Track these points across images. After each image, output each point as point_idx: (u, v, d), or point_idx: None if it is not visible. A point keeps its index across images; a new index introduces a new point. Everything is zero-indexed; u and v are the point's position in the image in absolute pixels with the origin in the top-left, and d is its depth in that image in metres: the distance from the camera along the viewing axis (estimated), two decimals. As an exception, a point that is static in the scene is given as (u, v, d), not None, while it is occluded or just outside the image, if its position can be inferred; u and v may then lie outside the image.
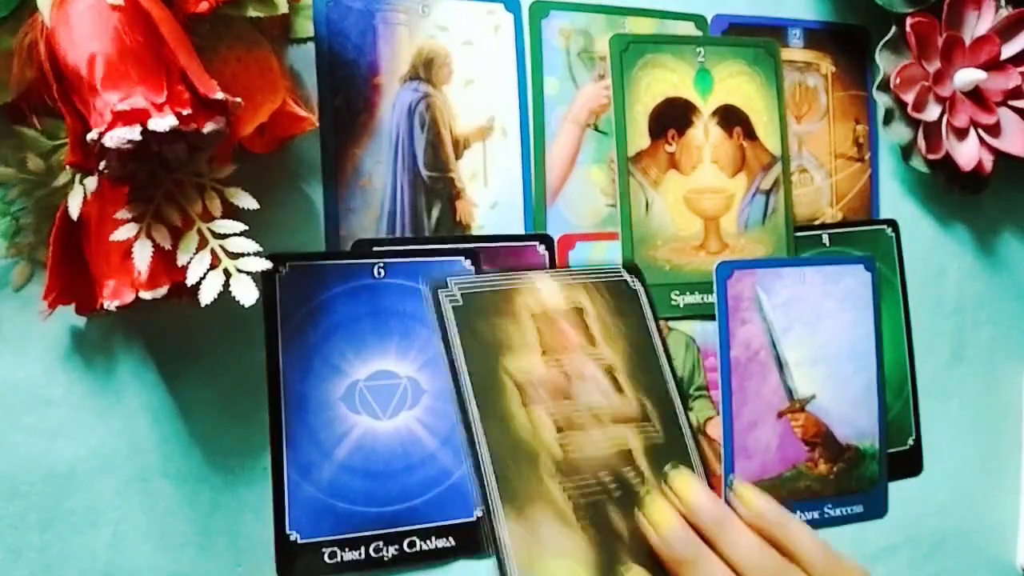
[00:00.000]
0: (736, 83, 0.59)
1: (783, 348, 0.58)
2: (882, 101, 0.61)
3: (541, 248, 0.53)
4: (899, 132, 0.61)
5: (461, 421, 0.44)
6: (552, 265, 0.53)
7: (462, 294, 0.45)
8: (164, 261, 0.40)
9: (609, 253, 0.55)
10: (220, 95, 0.38)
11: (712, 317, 0.57)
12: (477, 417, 0.42)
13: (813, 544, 0.44)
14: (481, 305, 0.46)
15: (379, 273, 0.51)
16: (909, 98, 0.60)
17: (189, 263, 0.39)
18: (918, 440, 0.64)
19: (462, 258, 0.52)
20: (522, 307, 0.46)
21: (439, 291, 0.46)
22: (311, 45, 0.49)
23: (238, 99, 0.39)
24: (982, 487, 0.67)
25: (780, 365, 0.58)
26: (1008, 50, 0.62)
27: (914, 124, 0.61)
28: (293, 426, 0.48)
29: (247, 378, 0.48)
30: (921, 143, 0.61)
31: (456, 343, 0.43)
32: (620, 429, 0.44)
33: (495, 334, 0.44)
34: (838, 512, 0.60)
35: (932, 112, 0.61)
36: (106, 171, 0.37)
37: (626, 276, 0.51)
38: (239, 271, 0.40)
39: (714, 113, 0.58)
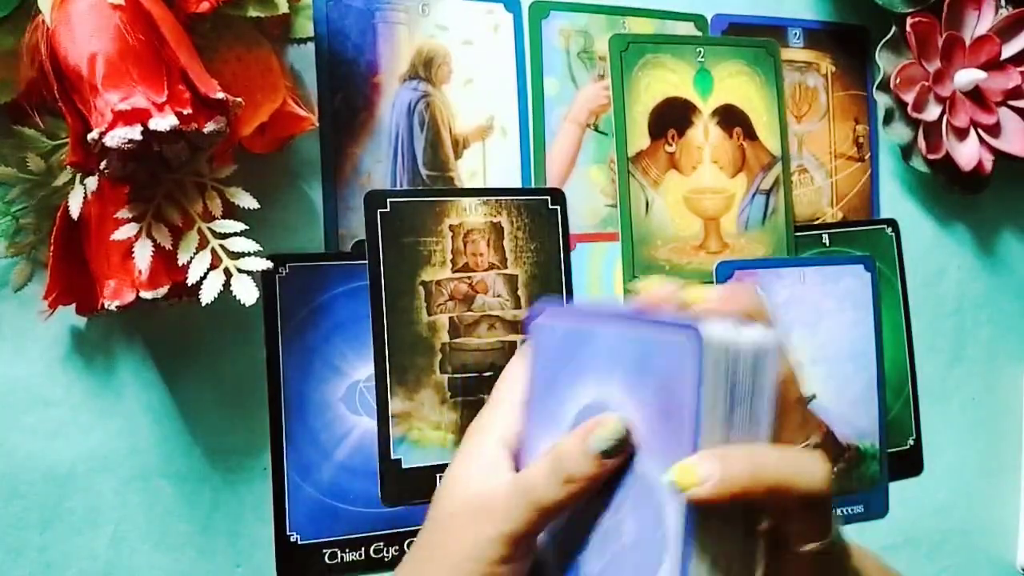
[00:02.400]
0: (736, 83, 0.59)
1: (783, 348, 0.58)
2: (882, 101, 0.61)
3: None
4: (899, 132, 0.61)
5: (374, 319, 0.50)
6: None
7: (393, 206, 0.50)
8: (164, 261, 0.40)
9: (609, 253, 0.55)
10: (221, 95, 0.38)
11: (712, 317, 0.57)
12: (386, 317, 0.49)
13: None
14: (410, 218, 0.50)
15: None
16: (909, 98, 0.60)
17: (190, 262, 0.39)
18: (918, 440, 0.64)
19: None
20: (445, 221, 0.51)
21: (376, 207, 0.50)
22: (311, 45, 0.49)
23: (239, 99, 0.39)
24: (982, 487, 0.67)
25: (780, 365, 0.58)
26: (1008, 50, 0.62)
27: (914, 124, 0.61)
28: (293, 427, 0.48)
29: (247, 378, 0.48)
30: (921, 143, 0.61)
31: (381, 255, 0.49)
32: (508, 334, 0.52)
33: (416, 249, 0.50)
34: (838, 512, 0.60)
35: (932, 112, 0.61)
36: (107, 171, 0.37)
37: (546, 199, 0.54)
38: (239, 270, 0.40)
39: (714, 113, 0.58)
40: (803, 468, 0.28)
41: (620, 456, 0.29)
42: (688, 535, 0.27)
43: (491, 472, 0.33)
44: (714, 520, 0.27)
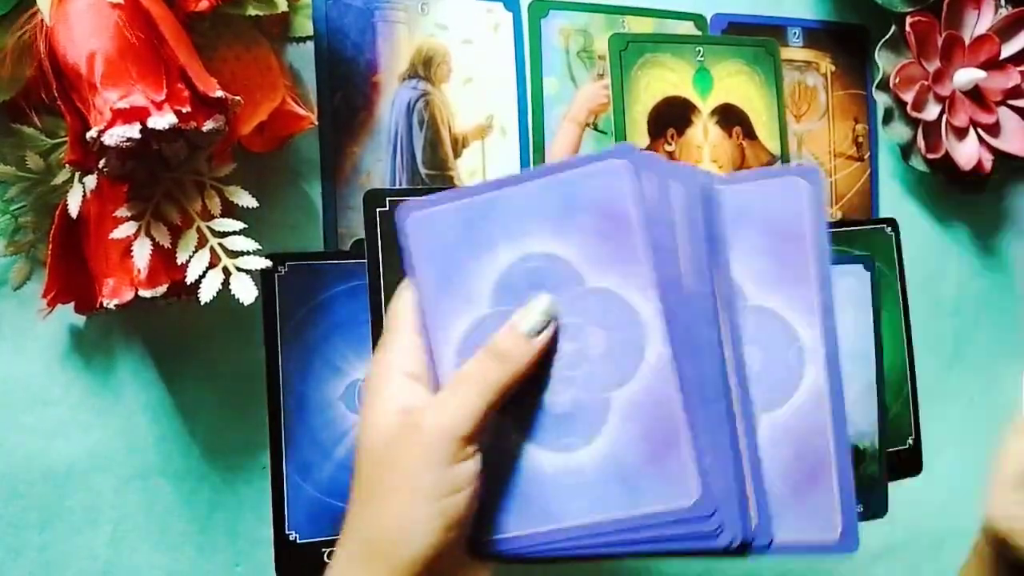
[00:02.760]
0: (735, 82, 0.59)
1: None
2: (882, 100, 0.61)
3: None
4: (899, 131, 0.61)
5: (373, 318, 0.49)
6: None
7: (393, 205, 0.49)
8: (163, 259, 0.40)
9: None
10: (220, 93, 0.38)
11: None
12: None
13: None
14: None
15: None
16: (909, 97, 0.60)
17: (188, 261, 0.39)
18: (918, 440, 0.64)
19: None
20: None
21: (375, 206, 0.49)
22: (310, 43, 0.49)
23: (238, 97, 0.38)
24: (982, 487, 0.67)
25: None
26: (1008, 49, 0.62)
27: (914, 123, 0.61)
28: (293, 426, 0.48)
29: (247, 378, 0.48)
30: (921, 142, 0.61)
31: (380, 254, 0.49)
32: None
33: None
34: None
35: (932, 111, 0.61)
36: (106, 169, 0.37)
37: None
38: (238, 269, 0.40)
39: (713, 112, 0.58)
40: None
41: (552, 328, 0.33)
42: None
43: (409, 399, 0.33)
44: None
